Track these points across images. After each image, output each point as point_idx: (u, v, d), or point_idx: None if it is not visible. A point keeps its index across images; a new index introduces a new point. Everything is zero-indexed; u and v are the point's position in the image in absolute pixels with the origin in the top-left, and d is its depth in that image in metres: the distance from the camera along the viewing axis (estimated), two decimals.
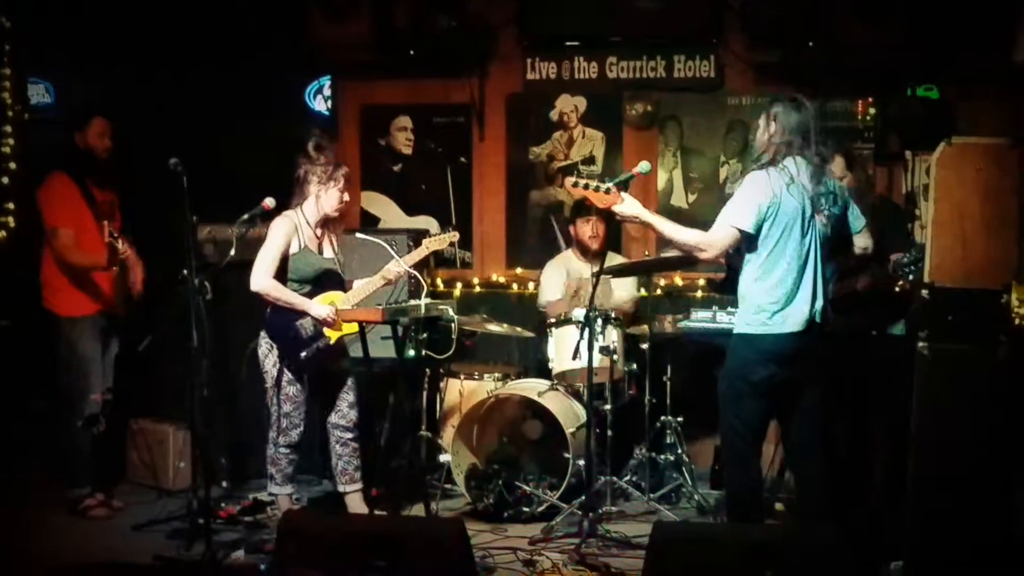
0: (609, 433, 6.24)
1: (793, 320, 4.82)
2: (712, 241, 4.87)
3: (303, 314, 5.68)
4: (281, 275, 5.69)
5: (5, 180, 7.34)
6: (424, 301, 5.72)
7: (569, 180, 5.15)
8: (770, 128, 4.87)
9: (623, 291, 6.89)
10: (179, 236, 5.46)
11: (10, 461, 6.90)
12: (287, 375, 5.72)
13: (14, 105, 7.31)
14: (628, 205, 4.94)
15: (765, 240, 4.81)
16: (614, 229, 7.19)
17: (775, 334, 4.81)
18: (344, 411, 5.89)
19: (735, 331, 4.97)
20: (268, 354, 5.74)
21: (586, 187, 4.97)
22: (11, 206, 7.33)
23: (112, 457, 6.72)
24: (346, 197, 5.82)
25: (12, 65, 7.32)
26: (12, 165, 7.39)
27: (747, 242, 4.85)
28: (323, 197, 5.74)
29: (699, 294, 7.31)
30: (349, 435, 5.90)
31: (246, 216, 5.62)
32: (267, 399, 5.81)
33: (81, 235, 6.11)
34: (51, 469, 6.53)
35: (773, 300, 4.81)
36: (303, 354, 5.69)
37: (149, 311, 6.52)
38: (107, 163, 6.28)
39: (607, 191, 4.93)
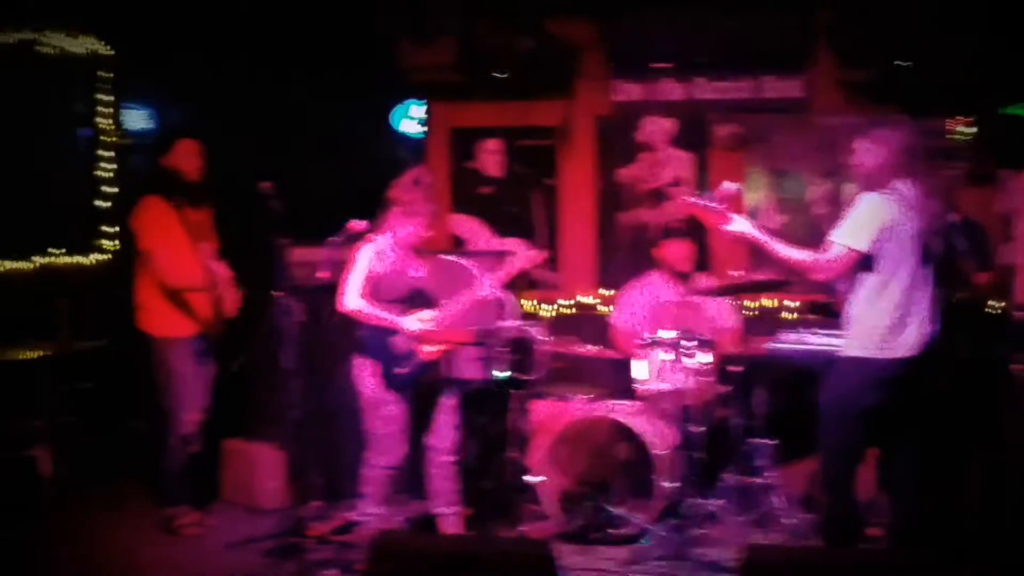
0: (699, 455, 6.20)
1: (907, 343, 4.75)
2: (827, 262, 4.82)
3: (396, 332, 5.73)
4: (370, 297, 5.74)
5: (106, 204, 7.54)
6: (513, 322, 5.73)
7: (687, 198, 5.19)
8: (879, 151, 4.81)
9: (729, 319, 6.82)
10: (270, 258, 5.55)
11: (107, 479, 7.05)
12: (385, 394, 5.76)
13: (114, 131, 7.51)
14: (739, 223, 4.95)
15: (881, 262, 4.75)
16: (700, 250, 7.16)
17: (890, 358, 4.75)
18: (444, 433, 5.90)
19: (844, 354, 4.89)
20: (365, 374, 5.79)
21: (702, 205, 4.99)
22: (112, 229, 7.53)
23: (207, 476, 6.82)
24: (426, 232, 5.85)
25: (113, 92, 7.53)
26: (112, 189, 7.59)
27: (862, 263, 4.79)
28: (405, 228, 5.80)
29: (789, 315, 7.23)
30: (449, 457, 5.91)
31: (335, 238, 5.69)
32: (365, 419, 5.82)
33: (176, 256, 6.18)
34: (147, 487, 6.66)
35: (888, 323, 4.74)
36: (399, 371, 5.71)
37: (242, 331, 6.62)
38: (198, 183, 6.33)
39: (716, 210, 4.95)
